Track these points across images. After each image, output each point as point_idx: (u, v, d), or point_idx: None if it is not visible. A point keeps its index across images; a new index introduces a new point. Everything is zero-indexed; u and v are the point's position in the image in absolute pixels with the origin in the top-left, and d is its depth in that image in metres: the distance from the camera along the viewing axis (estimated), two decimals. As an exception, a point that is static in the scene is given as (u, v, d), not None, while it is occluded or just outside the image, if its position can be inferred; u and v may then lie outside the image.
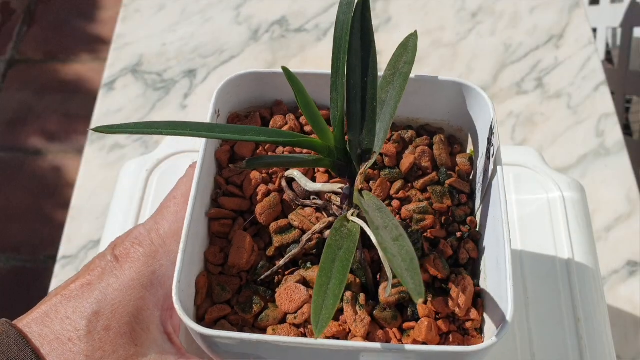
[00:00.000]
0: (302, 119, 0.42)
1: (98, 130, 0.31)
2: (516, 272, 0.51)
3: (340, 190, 0.36)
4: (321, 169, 0.39)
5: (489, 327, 0.34)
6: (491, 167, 0.37)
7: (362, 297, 0.35)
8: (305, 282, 0.36)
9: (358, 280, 0.36)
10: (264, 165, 0.37)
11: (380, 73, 0.35)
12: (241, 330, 0.35)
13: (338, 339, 0.34)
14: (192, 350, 0.38)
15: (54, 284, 0.64)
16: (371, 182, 0.39)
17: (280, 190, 0.39)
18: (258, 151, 0.41)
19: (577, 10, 0.84)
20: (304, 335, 0.35)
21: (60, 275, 0.64)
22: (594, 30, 1.18)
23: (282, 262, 0.36)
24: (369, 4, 0.34)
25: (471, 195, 0.40)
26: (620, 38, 1.17)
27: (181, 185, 0.39)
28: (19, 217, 1.29)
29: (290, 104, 0.42)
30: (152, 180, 0.56)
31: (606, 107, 0.75)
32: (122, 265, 0.36)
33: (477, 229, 0.38)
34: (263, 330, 0.35)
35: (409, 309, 0.35)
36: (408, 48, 0.35)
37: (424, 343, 0.33)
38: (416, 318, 0.34)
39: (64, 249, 0.66)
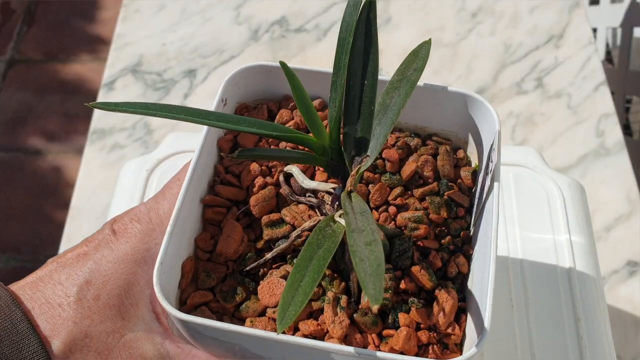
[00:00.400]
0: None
1: (95, 106, 0.31)
2: (516, 272, 0.51)
3: (332, 191, 0.36)
4: (321, 168, 0.39)
5: (470, 343, 0.33)
6: (487, 183, 0.36)
7: (343, 299, 0.34)
8: None
9: (343, 283, 0.35)
10: (255, 157, 0.37)
11: (381, 76, 0.35)
12: (220, 318, 0.35)
13: (315, 338, 0.34)
14: (177, 333, 0.39)
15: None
16: (370, 186, 0.39)
17: (278, 184, 0.39)
18: (260, 143, 0.41)
19: (577, 10, 0.84)
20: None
21: (60, 275, 0.64)
22: (594, 30, 1.18)
23: (269, 255, 0.36)
24: (375, 6, 0.34)
25: (470, 210, 0.39)
26: (620, 38, 1.17)
27: (186, 169, 0.40)
28: (19, 217, 1.29)
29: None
30: (152, 180, 0.56)
31: (606, 107, 0.75)
32: (118, 239, 0.37)
33: (470, 244, 0.38)
34: (242, 321, 0.35)
35: (390, 316, 0.34)
36: (419, 55, 0.35)
37: (401, 352, 0.33)
38: (396, 326, 0.34)
39: (64, 249, 0.66)
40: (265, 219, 0.38)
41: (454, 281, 0.36)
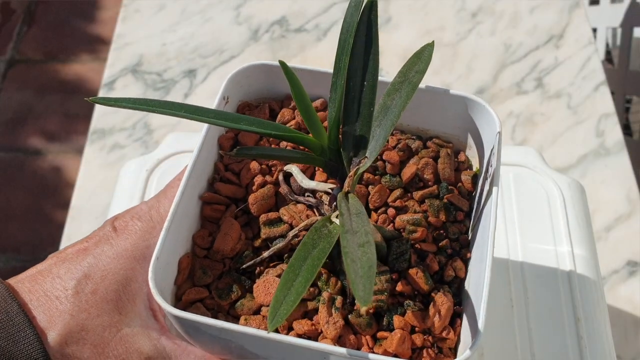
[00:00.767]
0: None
1: (95, 100, 0.32)
2: (516, 273, 0.51)
3: (331, 191, 0.36)
4: (321, 168, 0.39)
5: (464, 347, 0.33)
6: (486, 188, 0.36)
7: (339, 300, 0.34)
8: None
9: (339, 283, 0.35)
10: (253, 155, 0.37)
11: (381, 77, 0.35)
12: (215, 315, 0.36)
13: (309, 338, 0.34)
14: (174, 332, 0.39)
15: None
16: (370, 187, 0.39)
17: (277, 183, 0.39)
18: (261, 142, 0.41)
19: (577, 10, 0.84)
20: (276, 329, 0.35)
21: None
22: (594, 30, 1.18)
23: (265, 254, 0.36)
24: (377, 8, 0.34)
25: (469, 214, 0.39)
26: (620, 38, 1.17)
27: None
28: (19, 217, 1.29)
29: None
30: (152, 180, 0.56)
31: (606, 107, 0.75)
32: (119, 236, 0.37)
33: (468, 248, 0.38)
34: (236, 319, 0.35)
35: (385, 318, 0.34)
36: (422, 58, 0.35)
37: (395, 355, 0.33)
38: (391, 329, 0.34)
39: (64, 249, 0.66)
40: (263, 217, 0.38)
41: (450, 285, 0.36)
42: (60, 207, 1.29)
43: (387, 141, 0.40)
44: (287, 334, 0.34)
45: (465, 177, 0.40)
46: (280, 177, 0.39)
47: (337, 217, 0.33)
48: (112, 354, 0.35)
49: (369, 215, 0.38)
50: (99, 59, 1.51)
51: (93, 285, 0.36)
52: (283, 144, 0.40)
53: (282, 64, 0.32)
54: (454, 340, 0.34)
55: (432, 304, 0.34)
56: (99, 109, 0.77)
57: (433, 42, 0.35)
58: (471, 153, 0.41)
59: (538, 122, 0.74)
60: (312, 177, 0.39)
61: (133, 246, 0.37)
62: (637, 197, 0.68)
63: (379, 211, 0.38)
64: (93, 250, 0.37)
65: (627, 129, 1.23)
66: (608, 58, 1.28)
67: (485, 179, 0.37)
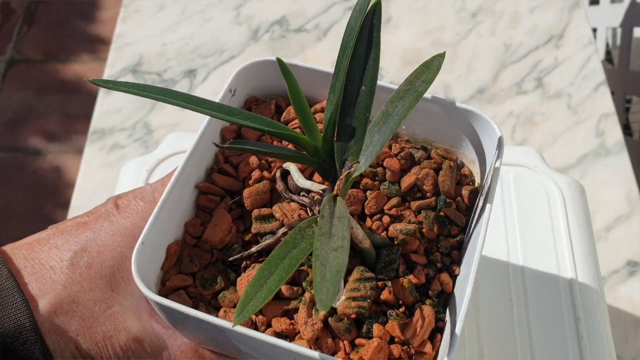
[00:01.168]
0: (317, 116, 0.41)
1: (94, 82, 0.32)
2: (516, 273, 0.51)
3: (323, 192, 0.36)
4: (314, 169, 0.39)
5: None
6: (480, 203, 0.36)
7: None
8: None
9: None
10: (246, 150, 0.37)
11: (380, 82, 0.35)
12: (196, 304, 0.36)
13: (286, 336, 0.34)
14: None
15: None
16: (368, 192, 0.38)
17: (275, 180, 0.39)
18: (263, 137, 0.41)
19: (577, 10, 0.84)
20: (254, 323, 0.35)
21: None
22: (594, 30, 1.18)
23: (254, 249, 0.36)
24: (380, 12, 0.34)
25: (465, 229, 0.38)
26: (620, 38, 1.17)
27: None
28: (19, 217, 1.29)
29: (309, 99, 0.42)
30: (152, 180, 0.56)
31: (606, 107, 0.75)
32: (120, 214, 0.37)
33: (459, 264, 0.37)
34: (217, 310, 0.36)
35: (365, 326, 0.34)
36: (430, 68, 0.34)
37: None
38: (370, 336, 0.34)
39: (64, 249, 0.66)
40: (255, 212, 0.38)
41: (436, 299, 0.36)
42: (60, 207, 1.29)
43: (390, 148, 0.40)
44: (264, 330, 0.34)
45: (466, 191, 0.39)
46: (278, 174, 0.39)
47: None
48: (99, 329, 0.35)
49: (364, 221, 0.38)
50: (99, 59, 1.51)
51: (89, 259, 0.36)
52: (285, 142, 0.40)
53: (280, 61, 0.32)
54: (431, 355, 0.34)
55: (414, 316, 0.34)
56: (99, 109, 0.77)
57: (444, 53, 0.35)
58: (475, 168, 0.41)
59: (538, 122, 0.74)
60: (310, 178, 0.39)
61: (133, 225, 0.37)
62: (637, 197, 0.68)
63: (374, 217, 0.38)
64: (93, 225, 0.37)
65: (627, 129, 1.23)
66: (608, 58, 1.28)
67: (481, 195, 0.37)
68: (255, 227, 0.37)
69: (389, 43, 0.81)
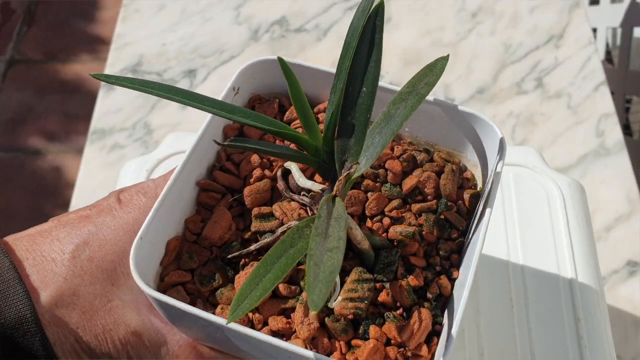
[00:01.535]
0: (320, 116, 0.42)
1: (96, 76, 0.33)
2: (516, 272, 0.51)
3: (322, 192, 0.36)
4: (314, 169, 0.39)
5: None
6: (480, 208, 0.36)
7: None
8: None
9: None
10: (245, 147, 0.37)
11: (381, 83, 0.35)
12: (194, 301, 0.36)
13: (282, 335, 0.34)
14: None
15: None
16: (369, 194, 0.38)
17: (276, 179, 0.39)
18: (265, 136, 0.41)
19: (577, 10, 0.84)
20: (251, 321, 0.35)
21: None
22: (594, 30, 1.18)
23: (252, 247, 0.36)
24: (383, 14, 0.34)
25: (465, 233, 0.38)
26: (620, 38, 1.17)
27: None
28: (19, 217, 1.29)
29: (312, 99, 0.42)
30: (152, 180, 0.56)
31: (606, 107, 0.75)
32: (122, 208, 0.37)
33: (458, 268, 0.37)
34: (214, 306, 0.36)
35: (361, 327, 0.34)
36: (434, 70, 0.34)
37: None
38: (366, 337, 0.34)
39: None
40: (255, 210, 0.38)
41: (434, 302, 0.36)
42: (60, 207, 1.29)
43: (392, 150, 0.40)
44: (261, 328, 0.34)
45: (467, 195, 0.39)
46: (279, 173, 0.39)
47: None
48: (99, 323, 0.35)
49: (364, 222, 0.38)
50: (99, 59, 1.51)
51: (90, 252, 0.36)
52: (287, 142, 0.40)
53: (281, 60, 0.32)
54: (427, 358, 0.33)
55: (411, 318, 0.34)
56: (99, 109, 0.77)
57: (448, 55, 0.34)
58: (477, 172, 0.41)
59: (538, 122, 0.74)
60: (311, 178, 0.39)
61: (135, 220, 0.37)
62: (637, 197, 0.68)
63: (375, 219, 0.38)
64: (95, 219, 0.37)
65: (627, 129, 1.23)
66: (608, 58, 1.28)
67: (482, 199, 0.37)
68: (255, 225, 0.37)
69: (389, 43, 0.81)
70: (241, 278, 0.36)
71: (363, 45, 0.34)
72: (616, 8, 1.11)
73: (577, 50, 0.80)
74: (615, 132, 0.73)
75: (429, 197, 0.39)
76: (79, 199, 0.69)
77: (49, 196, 1.32)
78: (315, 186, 0.37)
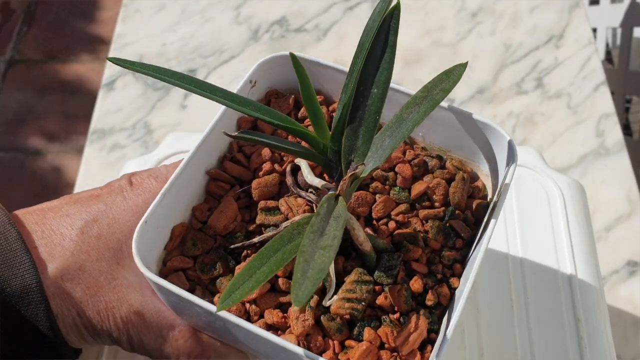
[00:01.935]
0: (334, 115, 0.42)
1: (112, 60, 0.33)
2: (516, 272, 0.51)
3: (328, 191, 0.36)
4: (321, 166, 0.39)
5: None
6: (485, 218, 0.35)
7: (314, 299, 0.34)
8: None
9: (321, 283, 0.35)
10: (253, 141, 0.38)
11: (394, 85, 0.35)
12: (193, 287, 0.36)
13: (277, 329, 0.34)
14: None
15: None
16: (377, 196, 0.38)
17: (285, 174, 0.39)
18: (277, 131, 0.41)
19: (577, 10, 0.84)
20: (247, 312, 0.35)
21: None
22: (594, 30, 1.18)
23: (256, 239, 0.37)
24: (399, 15, 0.34)
25: (471, 242, 0.38)
26: (620, 38, 1.17)
27: None
28: (19, 217, 1.29)
29: (329, 97, 0.43)
30: (152, 180, 0.56)
31: (606, 107, 0.75)
32: (133, 190, 0.38)
33: (459, 277, 0.37)
34: (213, 294, 0.36)
35: (356, 328, 0.34)
36: (451, 77, 0.34)
37: None
38: (360, 339, 0.34)
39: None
40: (262, 204, 0.38)
41: (431, 310, 0.35)
42: (60, 207, 1.29)
43: (404, 154, 0.40)
44: (257, 320, 0.35)
45: (476, 205, 0.39)
46: (288, 169, 0.39)
47: None
48: (103, 299, 0.35)
49: (370, 224, 0.38)
50: (99, 59, 1.51)
51: (99, 230, 0.36)
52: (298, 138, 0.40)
53: (292, 56, 0.32)
54: None
55: (406, 324, 0.34)
56: (99, 109, 0.77)
57: (466, 63, 0.35)
58: (489, 182, 0.40)
59: (538, 122, 0.74)
60: (321, 176, 0.39)
61: (144, 202, 0.37)
62: (637, 197, 0.68)
63: (381, 222, 0.38)
64: (105, 198, 0.38)
65: (627, 129, 1.23)
66: (608, 58, 1.28)
67: (490, 210, 0.36)
68: (260, 218, 0.38)
69: (389, 43, 0.81)
70: (241, 269, 0.36)
71: (377, 47, 0.34)
72: (616, 8, 1.11)
73: (577, 50, 0.80)
74: (615, 132, 0.73)
75: (436, 204, 0.38)
76: (79, 199, 0.69)
77: (49, 196, 1.31)
78: (323, 184, 0.37)
